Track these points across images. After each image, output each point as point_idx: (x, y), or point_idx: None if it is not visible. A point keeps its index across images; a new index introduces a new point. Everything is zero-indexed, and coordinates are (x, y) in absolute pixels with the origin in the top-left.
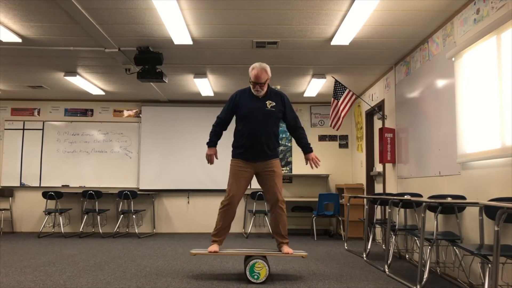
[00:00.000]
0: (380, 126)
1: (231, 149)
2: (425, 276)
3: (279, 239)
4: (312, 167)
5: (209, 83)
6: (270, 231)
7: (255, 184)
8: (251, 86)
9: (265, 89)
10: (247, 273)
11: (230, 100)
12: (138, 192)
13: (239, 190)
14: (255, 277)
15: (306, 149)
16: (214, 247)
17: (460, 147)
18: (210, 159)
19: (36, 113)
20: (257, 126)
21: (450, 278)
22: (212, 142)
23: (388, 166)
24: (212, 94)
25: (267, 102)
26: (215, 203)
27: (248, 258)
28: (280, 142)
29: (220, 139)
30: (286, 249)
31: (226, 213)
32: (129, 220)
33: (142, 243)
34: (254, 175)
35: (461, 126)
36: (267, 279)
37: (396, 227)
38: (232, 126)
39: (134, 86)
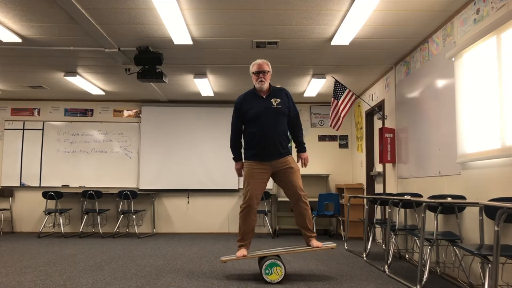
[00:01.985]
0: (380, 126)
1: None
2: (425, 276)
3: (307, 233)
4: (301, 166)
5: (209, 83)
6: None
7: None
8: (254, 80)
9: (268, 80)
10: (264, 266)
11: (235, 106)
12: (138, 192)
13: (257, 192)
14: (267, 272)
15: (301, 148)
16: (243, 251)
17: (460, 147)
18: (239, 173)
19: (36, 113)
20: (267, 125)
21: (450, 278)
22: (238, 157)
23: (388, 166)
24: (212, 94)
25: (272, 100)
26: (215, 203)
27: (264, 257)
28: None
29: (241, 148)
30: (315, 243)
31: (247, 217)
32: (129, 220)
33: (142, 243)
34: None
35: (461, 126)
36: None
37: (396, 227)
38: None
39: (134, 86)
